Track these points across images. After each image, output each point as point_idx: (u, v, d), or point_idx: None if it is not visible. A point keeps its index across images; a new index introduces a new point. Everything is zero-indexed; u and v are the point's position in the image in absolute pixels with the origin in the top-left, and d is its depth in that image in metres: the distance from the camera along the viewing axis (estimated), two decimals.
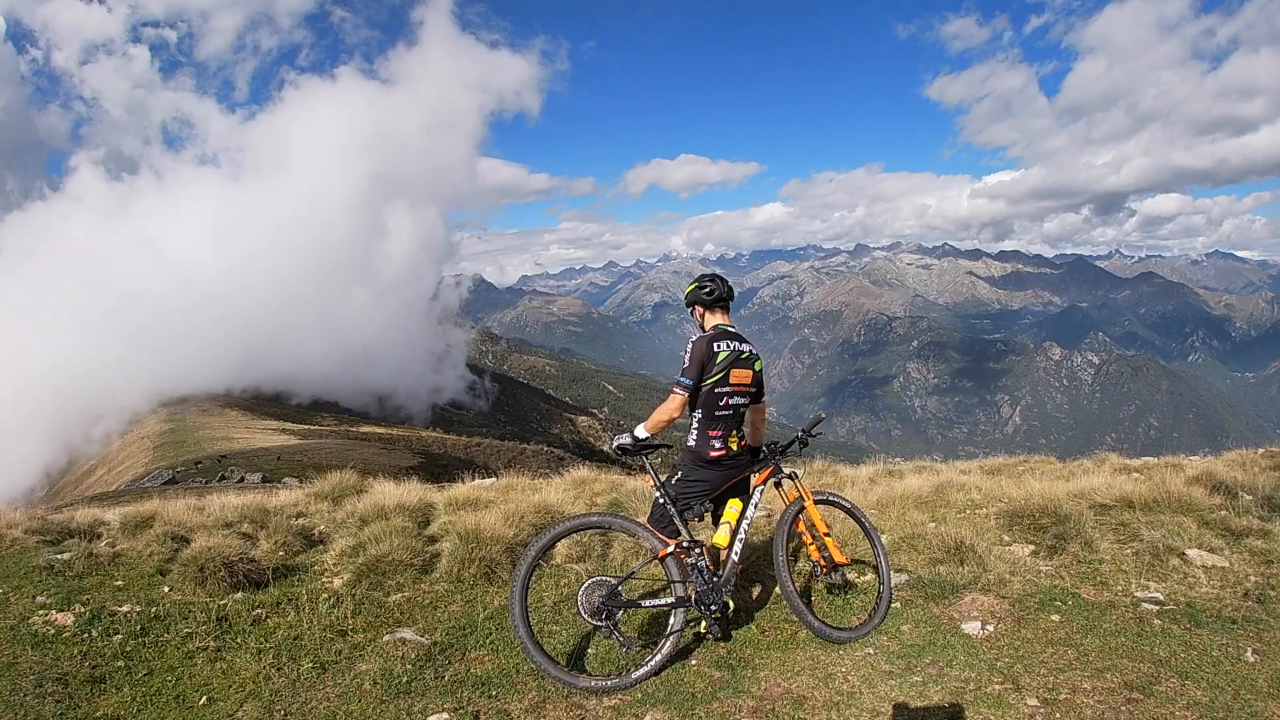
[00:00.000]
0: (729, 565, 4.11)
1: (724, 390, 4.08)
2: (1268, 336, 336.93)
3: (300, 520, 6.50)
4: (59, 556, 5.33)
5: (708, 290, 4.27)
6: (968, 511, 6.18)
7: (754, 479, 4.44)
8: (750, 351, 4.20)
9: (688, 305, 4.37)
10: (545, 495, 6.97)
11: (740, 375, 4.12)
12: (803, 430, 4.52)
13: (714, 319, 4.28)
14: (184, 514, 6.34)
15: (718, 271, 4.47)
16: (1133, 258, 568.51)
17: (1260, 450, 9.44)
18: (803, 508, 4.40)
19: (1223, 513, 5.58)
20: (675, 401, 4.10)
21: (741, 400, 4.17)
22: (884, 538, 5.41)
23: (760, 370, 4.25)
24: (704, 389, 4.08)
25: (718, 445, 4.11)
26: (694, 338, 4.17)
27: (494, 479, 9.05)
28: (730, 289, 4.34)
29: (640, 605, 4.04)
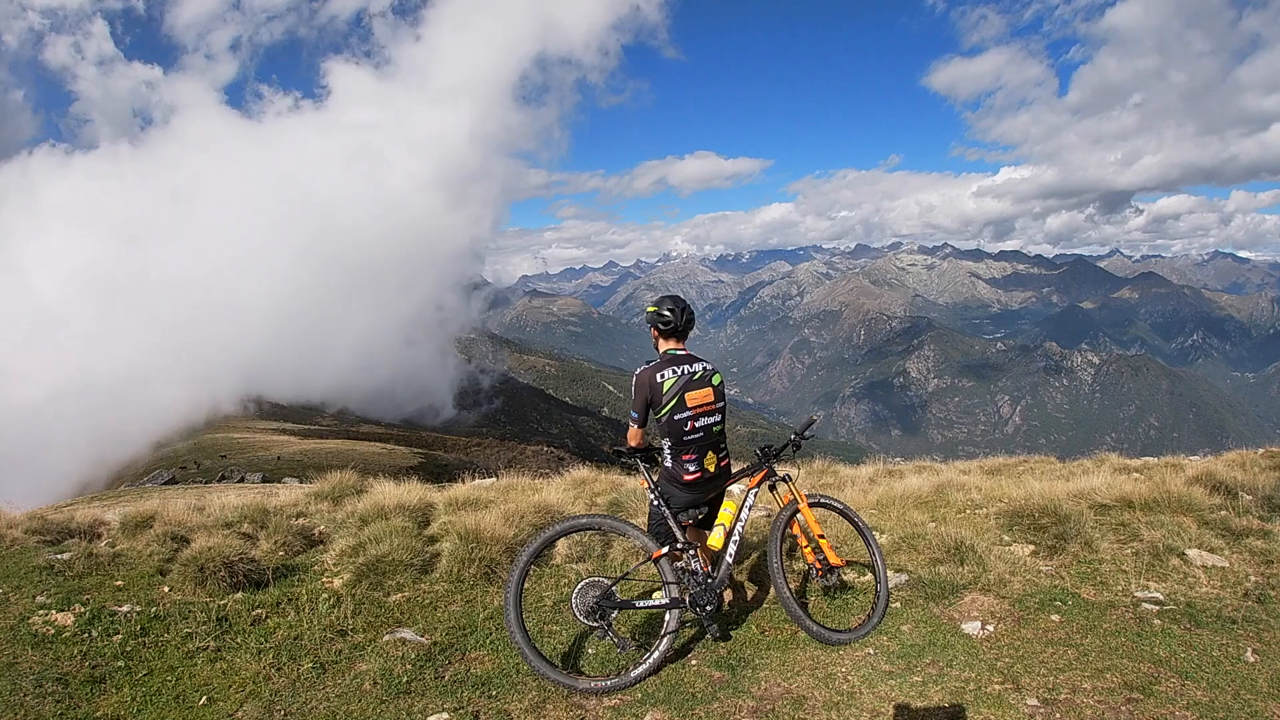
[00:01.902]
0: (723, 567, 4.12)
1: (684, 415, 4.02)
2: (1268, 336, 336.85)
3: (300, 520, 6.50)
4: (59, 556, 5.33)
5: (665, 320, 4.20)
6: (968, 511, 6.18)
7: (748, 482, 4.45)
8: (704, 370, 4.12)
9: (648, 323, 4.32)
10: (545, 495, 6.97)
11: (698, 396, 4.05)
12: (795, 433, 4.53)
13: (665, 344, 4.24)
14: (184, 514, 6.35)
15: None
16: (1133, 257, 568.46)
17: (1260, 450, 9.44)
18: (796, 511, 4.40)
19: (1223, 513, 5.58)
20: (632, 430, 4.20)
21: (711, 419, 4.11)
22: (884, 538, 5.41)
23: (720, 384, 4.18)
24: (662, 419, 4.04)
25: (692, 469, 4.09)
26: (637, 371, 4.11)
27: (494, 479, 9.05)
28: (689, 319, 4.23)
29: (634, 606, 4.05)
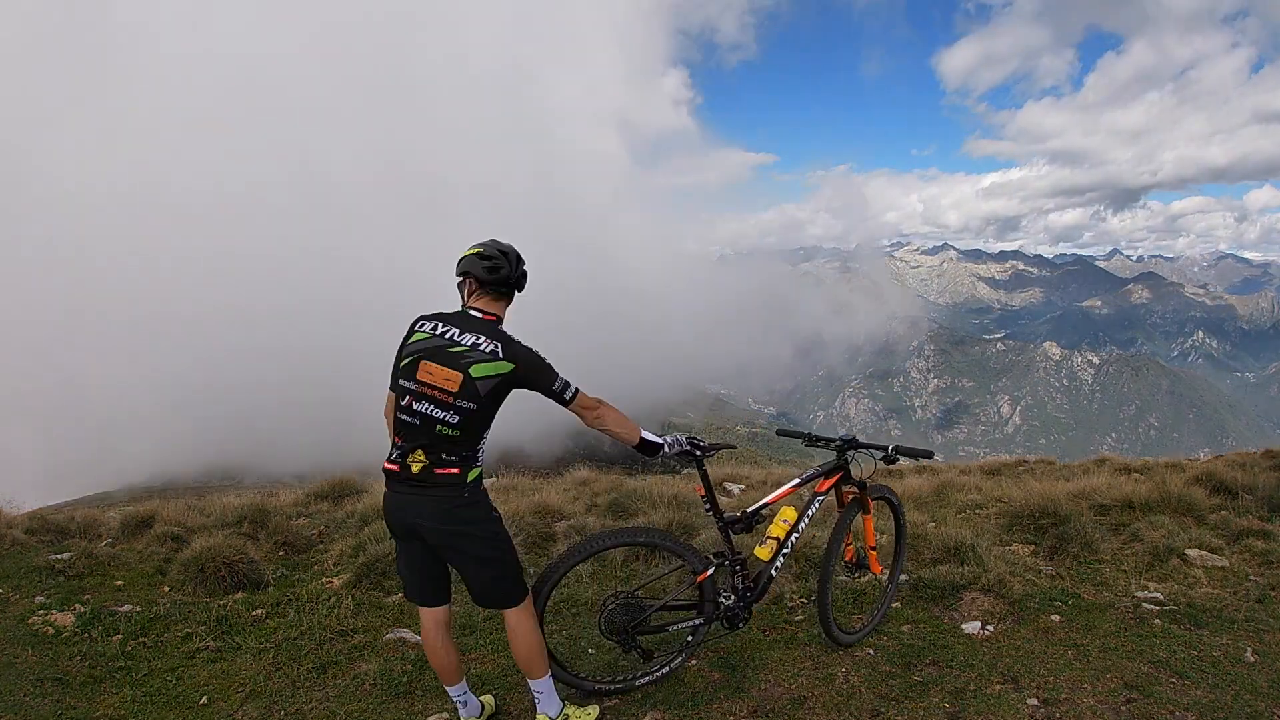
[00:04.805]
0: (765, 580, 3.64)
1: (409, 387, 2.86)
2: (1268, 336, 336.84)
3: (300, 520, 6.51)
4: (59, 556, 5.33)
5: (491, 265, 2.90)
6: (968, 512, 6.19)
7: (817, 484, 3.83)
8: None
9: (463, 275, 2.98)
10: (545, 495, 6.97)
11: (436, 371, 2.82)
12: (892, 448, 3.74)
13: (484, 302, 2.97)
14: (184, 514, 6.36)
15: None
16: (1133, 257, 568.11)
17: (1260, 450, 9.44)
18: (859, 513, 3.97)
19: (1223, 513, 5.59)
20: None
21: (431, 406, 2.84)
22: (883, 538, 5.40)
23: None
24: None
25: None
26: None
27: (494, 479, 9.05)
28: (520, 276, 2.99)
29: (668, 630, 3.61)
